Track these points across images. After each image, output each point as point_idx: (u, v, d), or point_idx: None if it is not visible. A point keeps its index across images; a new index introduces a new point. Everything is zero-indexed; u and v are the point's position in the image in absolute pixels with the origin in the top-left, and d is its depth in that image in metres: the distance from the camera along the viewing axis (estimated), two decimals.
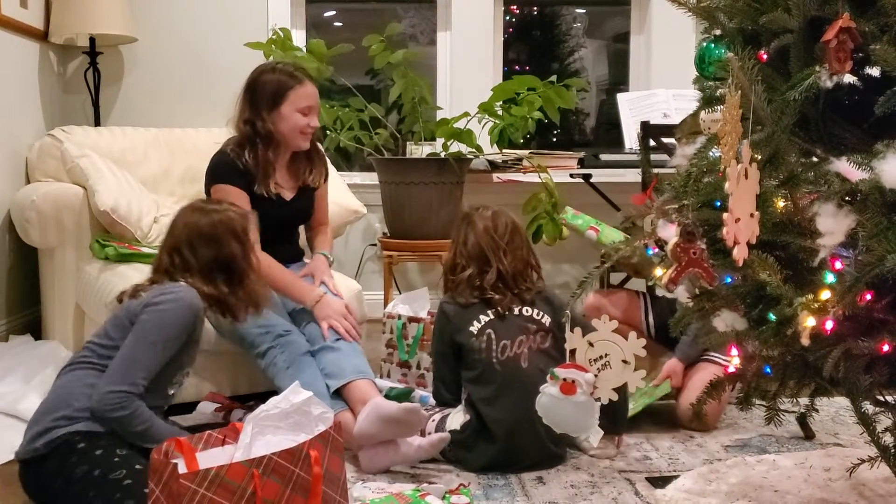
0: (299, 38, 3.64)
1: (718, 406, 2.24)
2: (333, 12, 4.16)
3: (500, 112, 3.21)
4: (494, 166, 3.48)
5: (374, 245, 3.66)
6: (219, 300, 1.88)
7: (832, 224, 1.34)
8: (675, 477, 1.96)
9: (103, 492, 1.62)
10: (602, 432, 1.98)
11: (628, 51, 4.05)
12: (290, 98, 2.24)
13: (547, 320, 2.06)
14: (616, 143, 3.66)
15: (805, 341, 1.35)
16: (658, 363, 2.53)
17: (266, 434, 1.59)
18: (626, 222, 2.65)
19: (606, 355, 1.72)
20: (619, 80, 4.23)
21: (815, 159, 1.48)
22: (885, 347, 1.35)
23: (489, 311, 2.06)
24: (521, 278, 2.09)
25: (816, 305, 1.34)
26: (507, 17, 4.10)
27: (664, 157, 2.86)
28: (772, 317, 1.45)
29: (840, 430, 2.30)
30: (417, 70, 3.33)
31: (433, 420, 2.05)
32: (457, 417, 2.03)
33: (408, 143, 3.35)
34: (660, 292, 2.64)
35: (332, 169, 3.15)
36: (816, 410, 1.92)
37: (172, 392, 1.87)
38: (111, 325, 1.80)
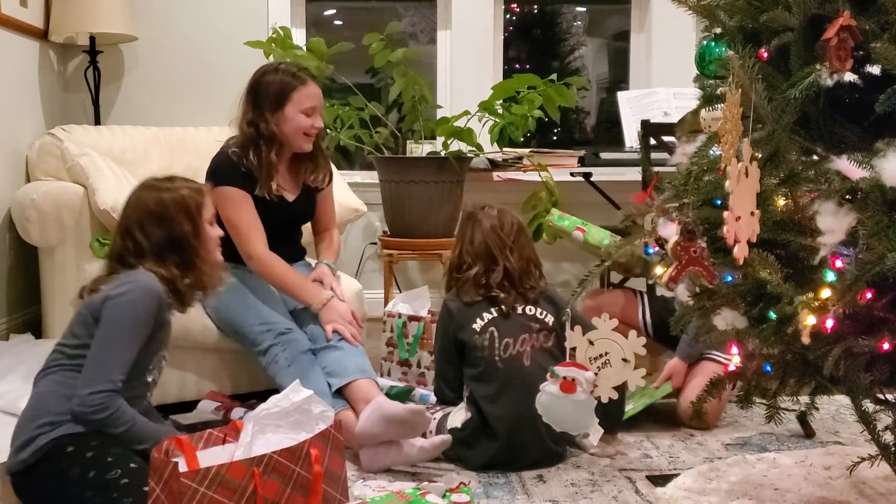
0: (299, 36, 3.64)
1: (719, 404, 2.24)
2: (333, 11, 4.16)
3: (500, 110, 3.20)
4: (495, 165, 3.48)
5: (375, 244, 3.66)
6: (171, 283, 1.79)
7: (833, 222, 1.34)
8: (676, 475, 1.96)
9: (101, 492, 1.59)
10: (602, 430, 1.99)
11: (629, 49, 4.05)
12: (293, 99, 2.23)
13: (550, 319, 2.07)
14: (616, 141, 3.66)
15: (805, 340, 1.35)
16: (657, 362, 2.53)
17: (267, 432, 1.59)
18: (626, 221, 2.65)
19: (606, 353, 1.72)
20: (619, 78, 4.23)
21: (815, 157, 1.48)
22: (886, 346, 1.35)
23: (493, 309, 2.06)
24: (527, 277, 2.10)
25: (817, 304, 1.34)
26: (508, 16, 4.10)
27: (664, 155, 2.86)
28: (772, 315, 1.45)
29: (840, 428, 2.30)
30: (417, 69, 3.33)
31: (434, 418, 2.05)
32: (458, 415, 2.03)
33: (408, 141, 3.35)
34: (658, 291, 2.64)
35: (332, 169, 3.16)
36: (817, 409, 1.92)
37: (151, 379, 1.82)
38: (76, 324, 1.76)
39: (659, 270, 1.58)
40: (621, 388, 1.76)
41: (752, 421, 2.33)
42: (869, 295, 1.34)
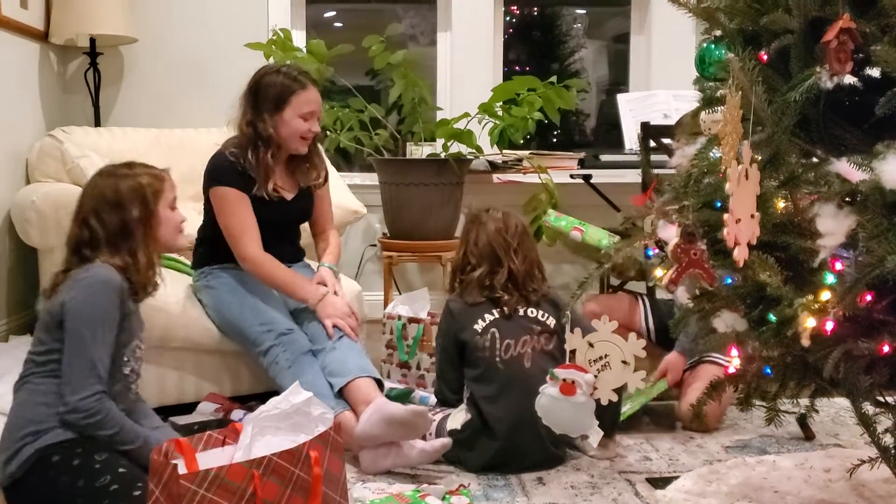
0: (299, 38, 3.64)
1: (719, 407, 2.24)
2: (333, 13, 4.16)
3: (500, 113, 3.21)
4: (494, 167, 3.48)
5: (374, 245, 3.66)
6: (125, 272, 1.73)
7: (832, 225, 1.34)
8: (675, 478, 1.96)
9: (91, 500, 1.57)
10: (602, 433, 1.99)
11: (628, 51, 4.05)
12: (293, 103, 2.24)
13: (551, 322, 2.07)
14: (616, 143, 3.66)
15: (805, 342, 1.35)
16: (658, 365, 2.53)
17: (266, 435, 1.59)
18: (626, 223, 2.65)
19: (606, 356, 1.72)
20: (619, 80, 4.23)
21: (815, 160, 1.48)
22: (886, 348, 1.35)
23: (494, 311, 2.06)
24: (530, 279, 2.10)
25: (817, 306, 1.34)
26: (508, 18, 4.11)
27: (664, 157, 2.86)
28: (772, 318, 1.45)
29: (840, 430, 2.30)
30: (417, 71, 3.33)
31: (434, 420, 2.05)
32: (458, 417, 2.03)
33: (408, 143, 3.35)
34: (660, 294, 2.64)
35: (332, 169, 3.16)
36: (816, 411, 1.92)
37: (129, 370, 1.78)
38: (40, 330, 1.73)
39: (659, 273, 1.58)
40: (619, 391, 1.76)
41: (751, 423, 2.33)
42: (869, 297, 1.34)
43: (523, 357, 2.02)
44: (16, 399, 1.71)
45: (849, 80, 1.36)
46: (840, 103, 1.44)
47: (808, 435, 2.25)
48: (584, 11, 4.42)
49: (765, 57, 1.46)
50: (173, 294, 2.33)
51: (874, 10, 1.38)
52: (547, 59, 4.40)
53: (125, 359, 1.76)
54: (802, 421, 2.23)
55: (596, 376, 1.73)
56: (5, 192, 2.81)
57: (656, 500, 1.84)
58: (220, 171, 2.26)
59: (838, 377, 1.41)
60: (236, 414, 2.22)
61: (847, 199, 1.37)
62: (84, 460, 1.61)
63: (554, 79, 3.19)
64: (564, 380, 1.72)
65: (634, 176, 3.09)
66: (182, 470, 1.45)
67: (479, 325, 2.05)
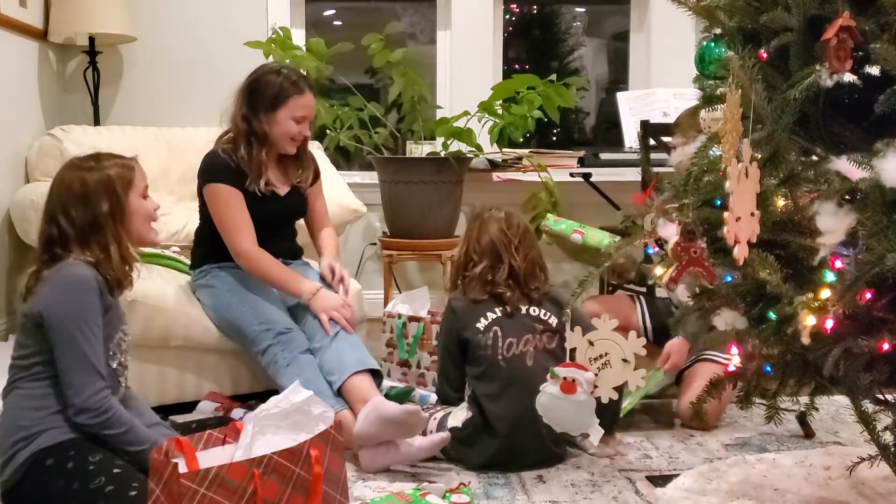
0: (299, 37, 3.64)
1: (719, 405, 2.24)
2: (333, 11, 4.16)
3: (499, 111, 3.20)
4: (494, 165, 3.48)
5: (374, 244, 3.66)
6: (97, 267, 1.69)
7: (832, 223, 1.35)
8: (675, 476, 1.96)
9: (87, 503, 1.56)
10: (602, 431, 1.99)
11: (628, 49, 4.05)
12: (288, 105, 2.26)
13: (554, 321, 2.08)
14: (616, 142, 3.66)
15: (805, 340, 1.35)
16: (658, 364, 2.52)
17: (266, 433, 1.59)
18: (626, 221, 2.65)
19: (606, 354, 1.72)
20: (618, 78, 4.23)
21: (815, 158, 1.48)
22: (885, 346, 1.35)
23: (497, 309, 2.07)
24: (531, 278, 2.11)
25: (816, 304, 1.34)
26: (507, 16, 4.10)
27: (664, 155, 2.86)
28: (772, 315, 1.45)
29: (840, 428, 2.30)
30: (417, 69, 3.33)
31: (435, 418, 2.05)
32: (459, 415, 2.03)
33: (407, 142, 3.35)
34: (660, 292, 2.64)
35: (332, 168, 3.16)
36: (816, 409, 1.93)
37: (116, 364, 1.75)
38: (21, 335, 1.70)
39: (659, 271, 1.58)
40: (620, 389, 1.76)
41: (751, 421, 2.33)
42: (868, 295, 1.34)
43: (525, 355, 2.02)
44: (4, 406, 1.69)
45: (848, 77, 1.36)
46: (840, 101, 1.44)
47: (808, 433, 2.25)
48: (583, 9, 4.41)
49: (764, 55, 1.46)
50: (173, 293, 2.33)
51: (873, 7, 1.38)
52: (546, 58, 4.40)
53: (111, 353, 1.74)
54: (802, 419, 2.23)
55: (596, 375, 1.73)
56: (5, 191, 2.81)
57: (656, 498, 1.84)
58: (214, 169, 2.28)
59: (838, 375, 1.41)
60: (236, 413, 2.22)
61: (847, 196, 1.37)
62: (78, 462, 1.60)
63: (553, 77, 3.19)
64: (565, 378, 1.72)
65: (634, 174, 3.09)
66: (182, 469, 1.45)
67: (482, 324, 2.05)
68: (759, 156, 1.44)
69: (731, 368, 1.69)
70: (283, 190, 2.37)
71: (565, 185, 3.37)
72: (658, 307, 2.60)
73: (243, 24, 3.52)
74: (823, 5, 1.38)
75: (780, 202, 1.48)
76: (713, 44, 1.61)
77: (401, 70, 3.23)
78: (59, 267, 1.67)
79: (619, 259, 1.71)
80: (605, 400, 1.74)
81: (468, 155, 3.22)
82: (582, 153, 3.59)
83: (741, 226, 1.37)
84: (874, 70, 1.38)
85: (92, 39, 3.34)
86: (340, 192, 2.98)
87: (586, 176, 3.33)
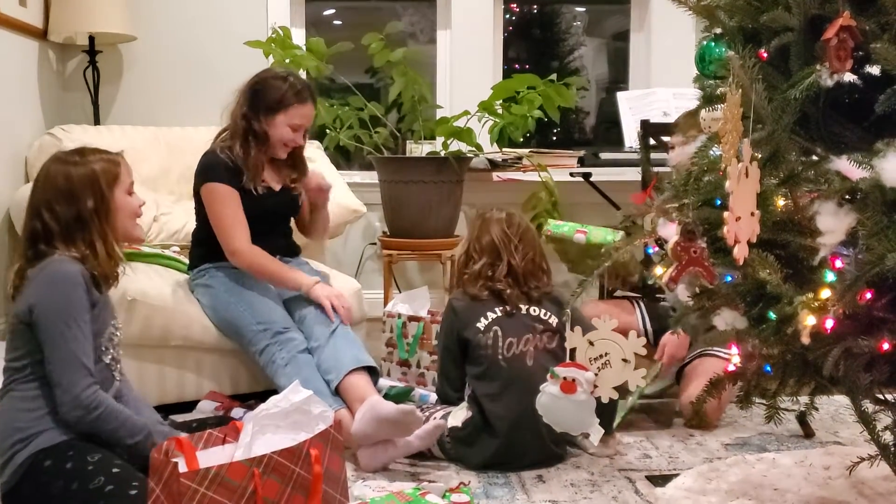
0: (299, 36, 3.64)
1: (720, 404, 2.24)
2: (333, 11, 4.16)
3: (499, 111, 3.20)
4: (494, 165, 3.48)
5: (374, 244, 3.66)
6: (83, 263, 1.67)
7: (832, 223, 1.34)
8: (675, 475, 1.96)
9: (86, 503, 1.55)
10: (602, 431, 1.99)
11: (628, 49, 4.05)
12: (288, 112, 2.29)
13: (554, 321, 2.08)
14: (616, 141, 3.66)
15: (805, 340, 1.35)
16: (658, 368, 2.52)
17: (266, 433, 1.59)
18: (626, 221, 2.65)
19: (606, 354, 1.72)
20: (618, 78, 4.22)
21: (815, 158, 1.48)
22: (885, 346, 1.35)
23: (497, 309, 2.07)
24: (532, 277, 2.11)
25: (816, 304, 1.34)
26: (507, 16, 4.10)
27: (664, 155, 2.86)
28: (772, 315, 1.45)
29: (840, 428, 2.30)
30: (417, 68, 3.33)
31: (434, 418, 2.05)
32: (459, 414, 2.04)
33: (407, 141, 3.35)
34: (660, 294, 2.64)
35: (332, 168, 3.16)
36: (816, 409, 1.92)
37: (110, 358, 1.74)
38: (12, 337, 1.68)
39: (659, 271, 1.58)
40: (619, 389, 1.76)
41: (751, 421, 2.33)
42: (868, 295, 1.34)
43: (525, 355, 2.02)
44: (1, 408, 1.68)
45: (849, 77, 1.36)
46: (840, 101, 1.44)
47: (808, 432, 2.25)
48: (583, 9, 4.41)
49: (765, 55, 1.46)
50: (173, 293, 2.34)
51: (874, 7, 1.38)
52: (546, 57, 4.40)
53: (103, 348, 1.72)
54: (802, 418, 2.23)
55: (596, 374, 1.73)
56: (5, 190, 2.81)
57: (656, 498, 1.84)
58: (212, 168, 2.29)
59: (838, 375, 1.41)
60: (236, 412, 2.22)
61: (847, 196, 1.37)
62: (77, 463, 1.59)
63: (554, 77, 3.19)
64: (565, 378, 1.72)
65: (634, 174, 3.09)
66: (182, 468, 1.45)
67: (482, 323, 2.05)
68: (760, 155, 1.43)
69: (731, 368, 1.69)
70: (276, 187, 2.39)
71: (565, 184, 3.37)
72: (658, 310, 2.60)
73: (243, 24, 3.52)
74: (824, 5, 1.38)
75: (781, 202, 1.48)
76: (713, 43, 1.61)
77: (401, 70, 3.23)
78: (44, 264, 1.66)
79: (621, 258, 1.70)
80: (605, 400, 1.74)
81: (468, 155, 3.22)
82: (582, 153, 3.59)
83: (741, 225, 1.37)
84: (874, 70, 1.38)
85: (92, 39, 3.33)
86: (340, 191, 2.97)
87: (586, 176, 3.33)
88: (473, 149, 3.21)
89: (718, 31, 1.60)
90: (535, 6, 4.35)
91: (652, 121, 2.98)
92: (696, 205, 1.51)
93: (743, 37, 1.52)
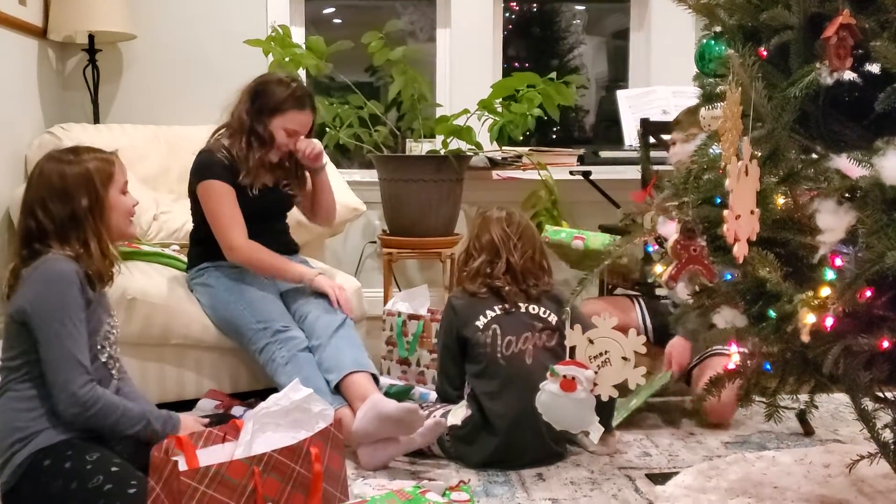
0: (298, 35, 3.64)
1: (734, 401, 2.22)
2: (332, 9, 4.16)
3: (499, 109, 3.20)
4: (494, 163, 3.48)
5: (374, 242, 3.66)
6: (78, 262, 1.67)
7: (832, 221, 1.35)
8: (675, 473, 1.96)
9: (86, 502, 1.55)
10: (602, 429, 1.99)
11: (628, 48, 4.05)
12: (286, 116, 2.30)
13: (553, 319, 2.08)
14: (616, 140, 3.65)
15: (805, 338, 1.35)
16: (657, 364, 2.52)
17: (266, 431, 1.59)
18: (626, 219, 2.65)
19: (606, 352, 1.72)
20: (618, 76, 4.22)
21: (815, 156, 1.48)
22: (885, 344, 1.35)
23: (496, 307, 2.07)
24: (530, 275, 2.11)
25: (816, 302, 1.35)
26: (507, 14, 4.10)
27: (664, 153, 2.86)
28: (772, 313, 1.45)
29: (840, 426, 2.30)
30: (417, 67, 3.32)
31: (435, 416, 2.05)
32: (458, 413, 2.04)
33: (407, 140, 3.35)
34: (660, 292, 2.64)
35: (331, 167, 3.16)
36: (816, 407, 1.92)
37: (107, 356, 1.74)
38: (8, 337, 1.67)
39: (658, 269, 1.59)
40: (619, 387, 1.76)
41: (751, 419, 2.33)
42: (868, 293, 1.34)
43: (525, 353, 2.02)
44: None
45: (848, 76, 1.36)
46: (840, 99, 1.44)
47: (808, 430, 2.25)
48: (583, 7, 4.41)
49: (764, 53, 1.46)
50: (173, 291, 2.33)
51: (874, 5, 1.38)
52: (546, 56, 4.40)
53: (99, 346, 1.72)
54: (802, 417, 2.23)
55: (596, 373, 1.73)
56: (4, 189, 2.81)
57: (656, 496, 1.84)
58: (208, 167, 2.30)
59: (838, 373, 1.41)
60: (236, 410, 2.22)
61: (847, 195, 1.37)
62: (75, 462, 1.59)
63: (553, 75, 3.19)
64: (564, 376, 1.72)
65: (634, 172, 3.09)
66: (182, 467, 1.45)
67: (481, 322, 2.06)
68: (759, 154, 1.43)
69: (731, 366, 1.69)
70: (270, 184, 2.39)
71: (565, 183, 3.37)
72: (658, 307, 2.60)
73: (243, 23, 3.52)
74: (824, 3, 1.38)
75: (780, 200, 1.48)
76: (713, 42, 1.61)
77: (400, 68, 3.23)
78: (38, 263, 1.65)
79: (620, 257, 1.70)
80: (604, 398, 1.74)
81: (468, 153, 3.22)
82: (582, 151, 3.58)
83: (741, 224, 1.37)
84: (874, 68, 1.38)
85: (91, 37, 3.33)
86: (340, 190, 2.97)
87: (586, 174, 3.33)
88: (473, 147, 3.21)
89: (718, 29, 1.60)
90: (535, 4, 4.34)
91: (652, 119, 2.98)
92: (696, 203, 1.51)
93: (743, 35, 1.52)
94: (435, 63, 3.89)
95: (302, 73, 3.28)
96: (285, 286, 2.34)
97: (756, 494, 1.83)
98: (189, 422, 1.80)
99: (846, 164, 1.35)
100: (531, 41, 4.39)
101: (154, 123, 3.15)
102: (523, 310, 2.08)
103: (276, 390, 1.79)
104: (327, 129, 3.27)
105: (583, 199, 3.38)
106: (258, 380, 2.37)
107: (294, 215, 2.56)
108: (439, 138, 3.22)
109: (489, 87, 3.24)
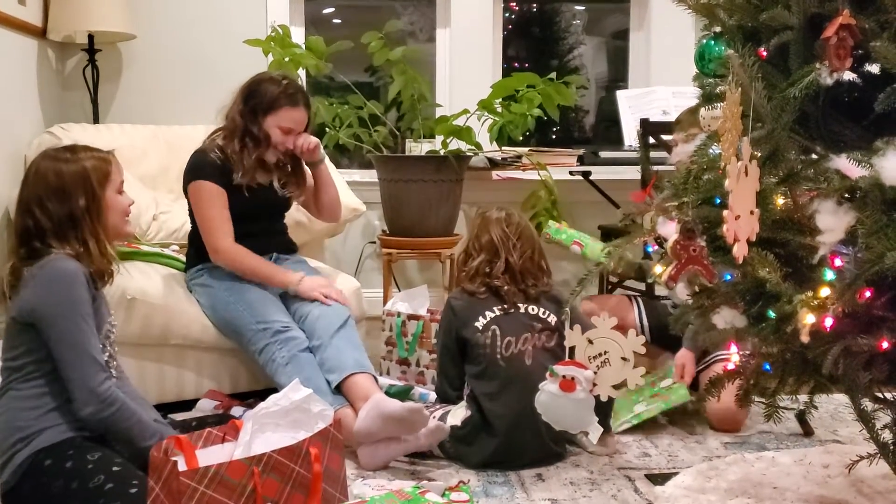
0: (298, 35, 3.64)
1: (744, 411, 2.22)
2: (332, 9, 4.16)
3: (499, 109, 3.20)
4: (494, 164, 3.47)
5: (374, 243, 3.66)
6: (77, 260, 1.67)
7: (832, 221, 1.35)
8: (675, 474, 1.96)
9: (87, 502, 1.55)
10: (602, 429, 1.99)
11: (628, 48, 4.05)
12: (279, 114, 2.30)
13: (553, 319, 2.08)
14: (615, 140, 3.65)
15: (804, 338, 1.35)
16: (656, 364, 2.52)
17: (266, 431, 1.59)
18: (625, 219, 2.65)
19: (606, 353, 1.72)
20: (618, 77, 4.22)
21: (814, 156, 1.48)
22: (885, 344, 1.35)
23: (495, 308, 2.07)
24: (529, 275, 2.12)
25: (816, 302, 1.35)
26: (507, 14, 4.10)
27: (664, 154, 2.86)
28: (771, 314, 1.45)
29: (839, 426, 2.30)
30: (417, 67, 3.32)
31: (434, 417, 2.05)
32: (458, 413, 2.04)
33: (407, 140, 3.35)
34: (659, 291, 2.64)
35: (331, 167, 3.16)
36: (815, 407, 1.92)
37: (108, 356, 1.72)
38: (11, 337, 1.67)
39: (658, 269, 1.58)
40: (619, 388, 1.76)
41: (750, 420, 2.33)
42: (868, 294, 1.34)
43: (524, 354, 2.02)
44: (0, 408, 1.67)
45: (848, 76, 1.36)
46: (839, 99, 1.44)
47: (807, 431, 2.25)
48: (583, 8, 4.41)
49: (764, 53, 1.46)
50: (173, 291, 2.33)
51: (873, 6, 1.38)
52: (546, 56, 4.39)
53: (100, 345, 1.71)
54: (801, 417, 2.23)
55: (595, 373, 1.73)
56: (4, 188, 2.80)
57: (655, 497, 1.84)
58: (199, 168, 2.31)
59: (837, 373, 1.41)
60: (236, 411, 2.22)
61: (846, 195, 1.37)
62: (76, 462, 1.59)
63: (553, 75, 3.18)
64: (564, 376, 1.72)
65: (634, 172, 3.09)
66: (182, 467, 1.45)
67: (480, 323, 2.06)
68: (759, 154, 1.44)
69: (731, 367, 1.69)
70: (266, 182, 2.39)
71: (565, 183, 3.37)
72: (657, 307, 2.60)
73: (243, 22, 3.51)
74: (823, 3, 1.38)
75: (780, 200, 1.48)
76: (713, 42, 1.61)
77: (400, 68, 3.23)
78: (43, 263, 1.65)
79: (619, 261, 1.70)
80: (604, 398, 1.74)
81: (468, 153, 3.21)
82: (581, 151, 3.58)
83: (741, 224, 1.37)
84: (874, 68, 1.38)
85: (91, 37, 3.33)
86: (340, 190, 2.97)
87: (586, 174, 3.33)
88: (473, 147, 3.21)
89: (718, 29, 1.60)
90: (535, 5, 4.34)
91: (651, 119, 2.98)
92: (696, 203, 1.51)
93: (742, 35, 1.52)
94: (435, 63, 3.89)
95: (302, 73, 3.28)
96: None
97: (755, 495, 1.83)
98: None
99: (846, 165, 1.35)
100: (531, 41, 4.39)
101: (154, 123, 3.15)
102: (522, 310, 2.08)
103: (275, 390, 1.79)
104: (327, 129, 3.27)
105: (582, 200, 3.38)
106: (258, 380, 2.37)
107: (293, 215, 2.56)
108: (439, 138, 3.22)
109: (489, 88, 3.24)
